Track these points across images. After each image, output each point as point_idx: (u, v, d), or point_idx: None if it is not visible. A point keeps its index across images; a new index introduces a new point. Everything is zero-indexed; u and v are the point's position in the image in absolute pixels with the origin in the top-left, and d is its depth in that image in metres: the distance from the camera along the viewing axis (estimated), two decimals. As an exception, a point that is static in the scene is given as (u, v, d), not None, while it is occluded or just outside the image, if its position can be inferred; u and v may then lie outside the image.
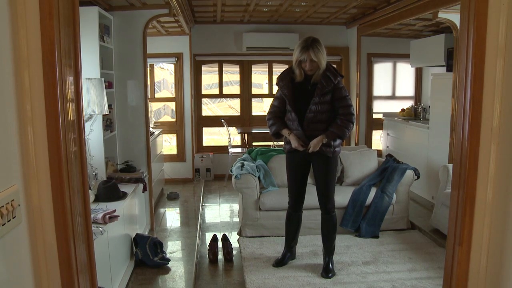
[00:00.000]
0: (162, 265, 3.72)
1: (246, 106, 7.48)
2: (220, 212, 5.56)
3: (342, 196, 4.50)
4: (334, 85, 3.35)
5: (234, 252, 4.09)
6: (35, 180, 1.26)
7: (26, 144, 1.23)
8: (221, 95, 7.72)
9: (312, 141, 3.39)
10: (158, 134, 6.05)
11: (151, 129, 5.51)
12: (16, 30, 1.18)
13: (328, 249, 3.67)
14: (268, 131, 3.65)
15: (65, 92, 1.28)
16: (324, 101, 3.34)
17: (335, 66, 3.55)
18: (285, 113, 3.54)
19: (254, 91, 7.73)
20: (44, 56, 1.21)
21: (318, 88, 3.33)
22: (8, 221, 1.12)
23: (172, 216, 5.40)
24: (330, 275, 3.56)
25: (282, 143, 3.81)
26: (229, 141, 6.94)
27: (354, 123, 3.45)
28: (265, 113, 3.93)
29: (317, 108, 3.34)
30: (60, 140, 1.26)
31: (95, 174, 3.73)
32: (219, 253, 4.06)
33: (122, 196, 3.52)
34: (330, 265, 3.64)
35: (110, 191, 3.44)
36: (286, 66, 3.61)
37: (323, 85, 3.32)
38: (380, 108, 7.40)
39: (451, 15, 4.46)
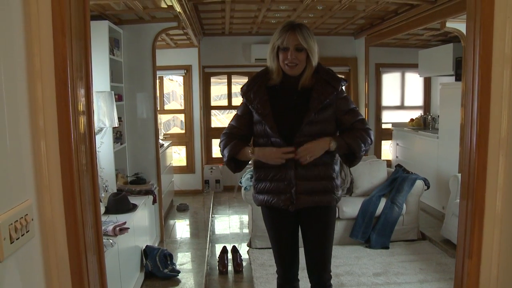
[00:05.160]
0: (172, 277, 3.72)
1: (254, 117, 7.47)
2: (229, 224, 5.56)
3: (351, 207, 4.48)
4: (337, 94, 2.21)
5: (244, 264, 4.09)
6: (48, 193, 1.28)
7: (39, 157, 1.26)
8: (230, 107, 7.75)
9: (309, 143, 2.14)
10: (168, 146, 6.09)
11: (160, 141, 5.54)
12: (30, 47, 1.21)
13: None
14: None
15: (76, 105, 1.31)
16: (323, 118, 2.20)
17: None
18: (246, 138, 2.36)
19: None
20: (56, 72, 1.23)
21: (314, 99, 2.16)
22: (22, 235, 1.14)
23: (182, 228, 5.41)
24: None
25: None
26: (238, 152, 6.93)
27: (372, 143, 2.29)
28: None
29: (312, 128, 2.17)
30: (72, 153, 1.28)
31: (106, 186, 3.77)
32: (229, 264, 4.05)
33: (132, 208, 3.55)
34: None
35: (120, 203, 3.47)
36: None
37: (320, 95, 2.16)
38: (389, 118, 7.38)
39: (459, 25, 4.46)
